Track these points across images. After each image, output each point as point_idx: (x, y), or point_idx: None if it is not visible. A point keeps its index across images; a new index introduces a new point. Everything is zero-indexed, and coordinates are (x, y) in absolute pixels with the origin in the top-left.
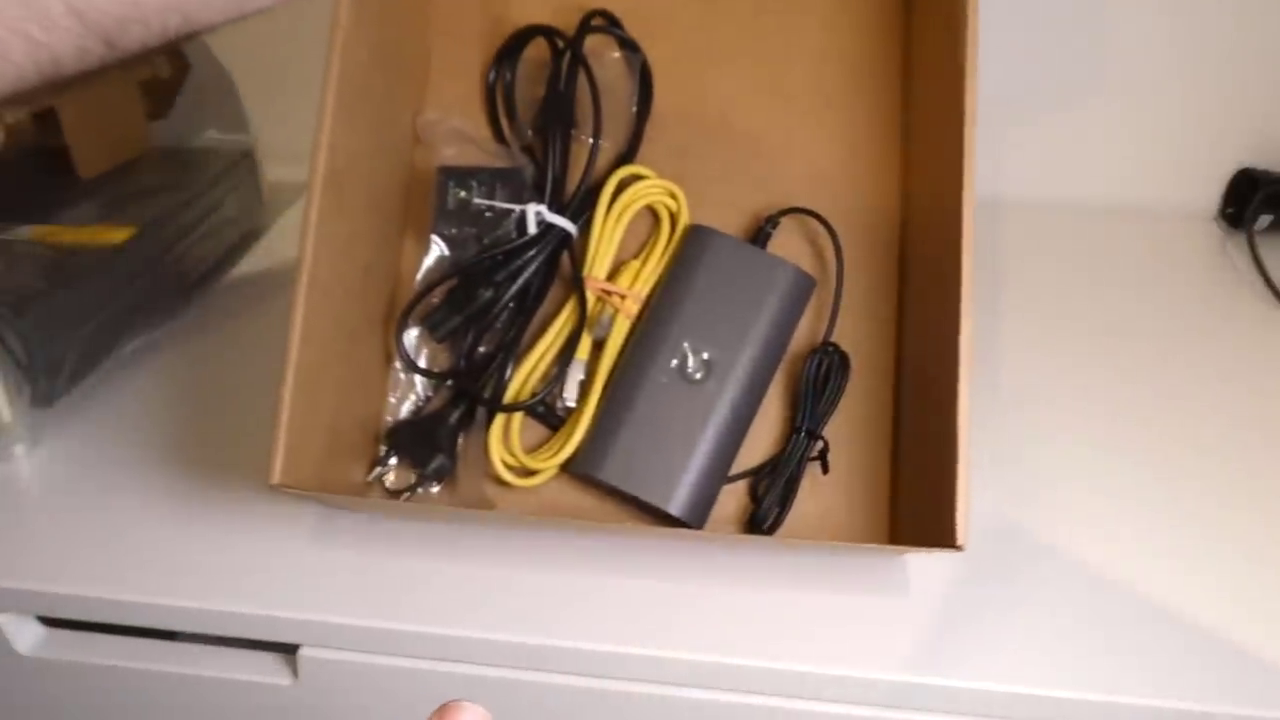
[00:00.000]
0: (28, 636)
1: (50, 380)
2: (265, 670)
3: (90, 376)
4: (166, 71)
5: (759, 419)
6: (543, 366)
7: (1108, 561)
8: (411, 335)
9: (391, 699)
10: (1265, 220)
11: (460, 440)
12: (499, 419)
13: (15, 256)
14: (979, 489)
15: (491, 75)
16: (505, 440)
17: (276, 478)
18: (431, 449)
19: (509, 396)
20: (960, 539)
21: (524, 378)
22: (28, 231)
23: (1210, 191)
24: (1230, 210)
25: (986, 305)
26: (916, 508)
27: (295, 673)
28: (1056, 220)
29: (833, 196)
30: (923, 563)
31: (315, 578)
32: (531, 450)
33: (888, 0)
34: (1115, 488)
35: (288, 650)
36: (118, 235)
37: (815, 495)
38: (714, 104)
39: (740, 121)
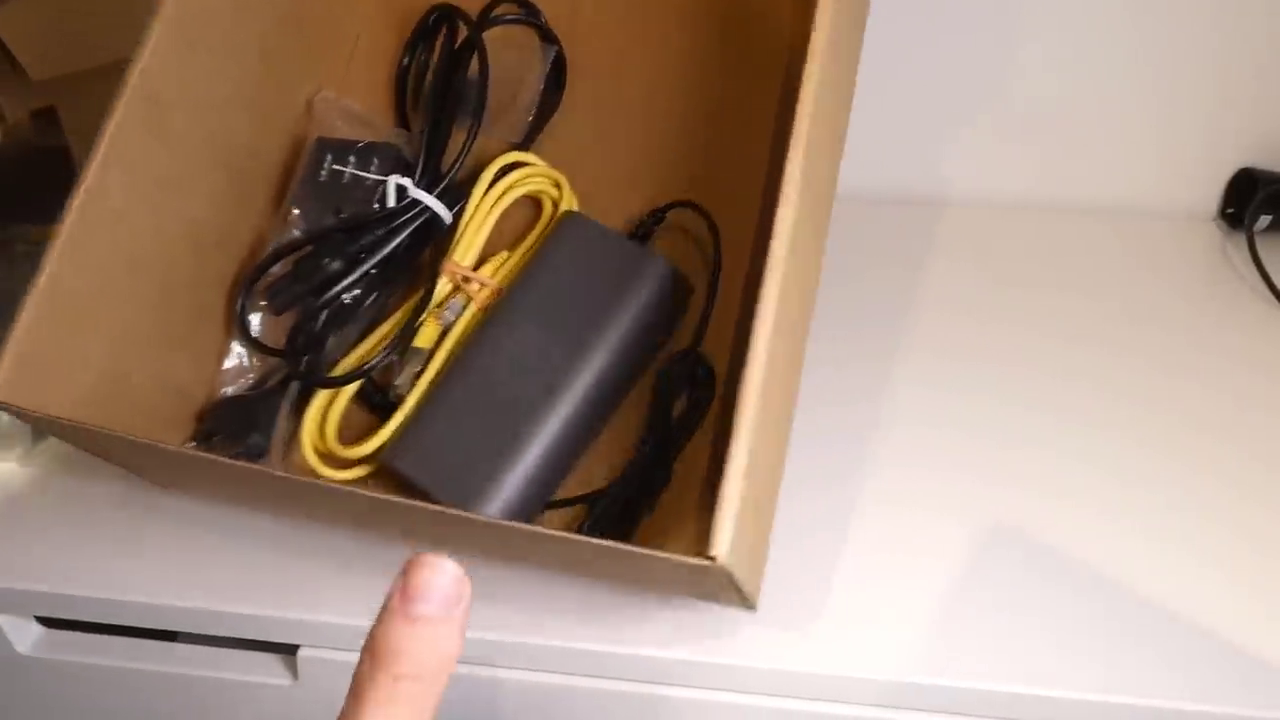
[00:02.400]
0: (28, 636)
1: None
2: (265, 670)
3: None
4: None
5: (617, 436)
6: (380, 350)
7: (1108, 561)
8: (259, 307)
9: None
10: (1265, 220)
11: (279, 421)
12: (319, 402)
13: (15, 256)
14: (979, 489)
15: (405, 59)
16: (321, 426)
17: None
18: (250, 428)
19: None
20: (715, 548)
21: (358, 360)
22: (28, 231)
23: (1210, 191)
24: (1230, 210)
25: (986, 306)
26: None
27: (295, 673)
28: (1056, 220)
29: (732, 199)
30: (922, 562)
31: (315, 578)
32: (354, 443)
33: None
34: (1114, 487)
35: (288, 650)
36: None
37: (658, 518)
38: (631, 101)
39: (657, 121)
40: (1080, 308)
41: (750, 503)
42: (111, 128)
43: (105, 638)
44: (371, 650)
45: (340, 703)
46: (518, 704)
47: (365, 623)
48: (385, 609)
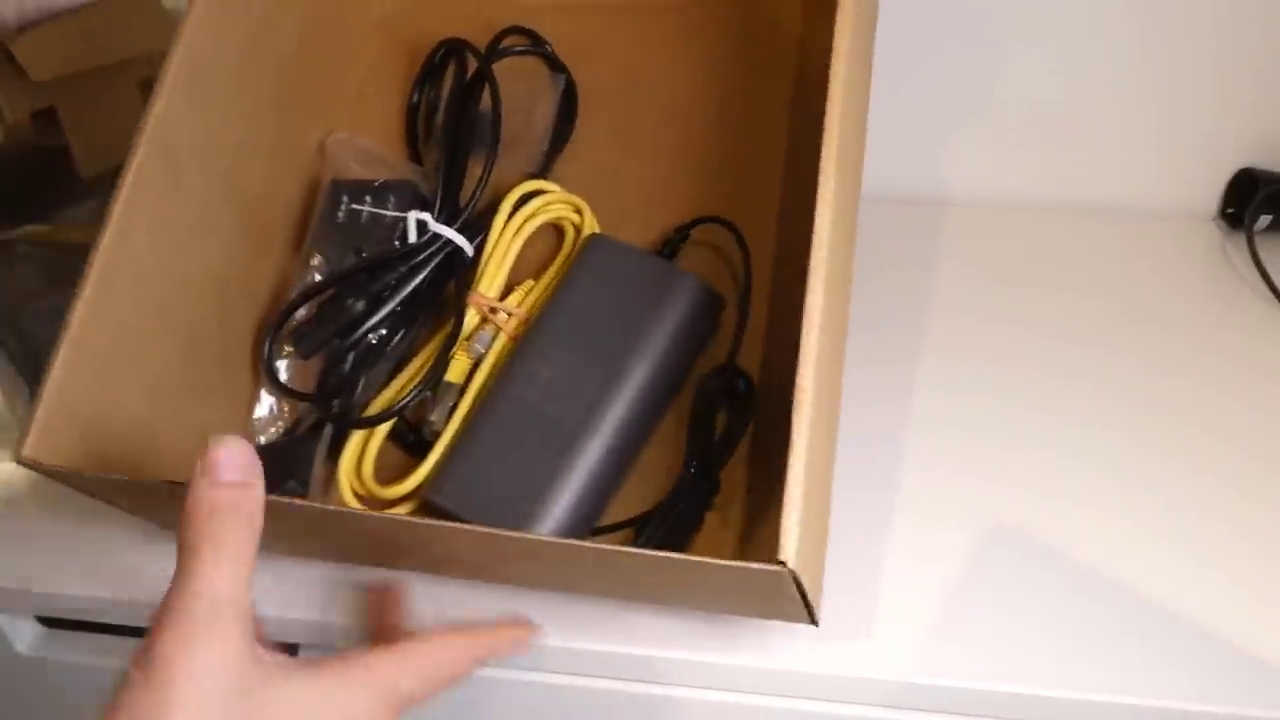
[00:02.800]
0: (28, 636)
1: None
2: None
3: None
4: None
5: (658, 456)
6: (412, 388)
7: (1108, 561)
8: (286, 353)
9: None
10: (1265, 220)
11: (315, 465)
12: (354, 444)
13: (15, 256)
14: (978, 489)
15: (415, 96)
16: (358, 467)
17: (28, 450)
18: (287, 475)
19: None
20: (783, 551)
21: (390, 399)
22: (28, 231)
23: (1210, 191)
24: (1230, 210)
25: (986, 306)
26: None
27: None
28: (1056, 220)
29: (752, 210)
30: (922, 562)
31: (314, 578)
32: (391, 483)
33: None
34: (1114, 488)
35: (288, 650)
36: None
37: (703, 535)
38: (645, 124)
39: (673, 139)
40: (1080, 308)
41: (812, 507)
42: (129, 181)
43: (105, 638)
44: (187, 515)
45: None
46: (520, 705)
47: (363, 622)
48: (191, 487)
